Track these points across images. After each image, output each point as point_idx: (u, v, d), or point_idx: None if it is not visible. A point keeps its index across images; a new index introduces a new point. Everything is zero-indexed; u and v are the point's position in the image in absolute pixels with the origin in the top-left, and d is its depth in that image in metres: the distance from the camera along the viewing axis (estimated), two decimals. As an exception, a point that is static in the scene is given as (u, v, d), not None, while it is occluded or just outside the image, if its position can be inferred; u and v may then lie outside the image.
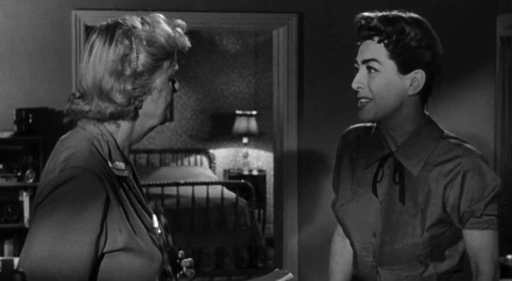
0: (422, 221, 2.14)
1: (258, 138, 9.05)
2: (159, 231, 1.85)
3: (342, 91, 5.27)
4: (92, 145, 1.79)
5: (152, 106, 1.84)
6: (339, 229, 2.47)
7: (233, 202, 7.17)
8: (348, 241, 2.39)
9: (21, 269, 1.56)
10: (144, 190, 2.01)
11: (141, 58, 1.79)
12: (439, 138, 2.19)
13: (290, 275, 1.87)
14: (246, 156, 8.91)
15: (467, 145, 2.19)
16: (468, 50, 5.38)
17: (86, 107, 1.80)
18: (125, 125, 1.84)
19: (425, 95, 2.15)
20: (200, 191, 7.09)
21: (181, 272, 1.93)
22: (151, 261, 1.78)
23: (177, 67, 1.86)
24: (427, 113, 2.22)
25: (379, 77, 2.10)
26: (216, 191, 7.29)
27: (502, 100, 5.32)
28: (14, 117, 4.85)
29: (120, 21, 1.82)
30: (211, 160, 9.08)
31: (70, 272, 1.68)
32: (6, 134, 4.86)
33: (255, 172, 8.86)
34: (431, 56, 2.11)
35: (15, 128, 4.86)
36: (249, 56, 9.16)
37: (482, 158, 2.16)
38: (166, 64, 1.82)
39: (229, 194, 7.42)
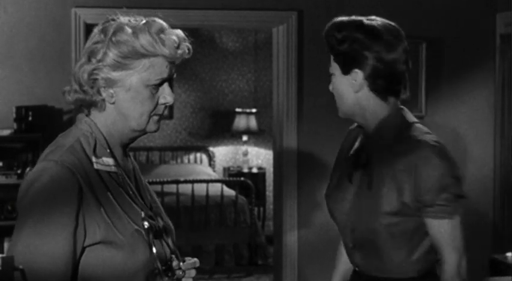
0: (380, 208, 2.26)
1: (257, 136, 9.05)
2: (146, 225, 1.82)
3: (342, 89, 5.27)
4: (76, 141, 1.82)
5: (125, 106, 1.84)
6: None
7: (233, 199, 7.18)
8: None
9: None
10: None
11: (108, 53, 1.81)
12: (401, 128, 2.34)
13: None
14: (245, 154, 8.91)
15: (426, 136, 2.29)
16: (468, 48, 5.38)
17: (66, 88, 1.89)
18: (98, 117, 1.86)
19: (377, 88, 2.31)
20: (200, 188, 7.10)
21: (174, 277, 1.89)
22: (135, 255, 1.78)
23: (160, 76, 1.84)
24: (400, 106, 2.38)
25: (333, 79, 2.38)
26: (215, 188, 7.30)
27: (502, 98, 5.32)
28: (14, 115, 4.85)
29: (114, 17, 1.86)
30: (211, 158, 9.09)
31: (51, 267, 1.69)
32: (5, 132, 4.86)
33: (254, 170, 8.87)
34: (368, 56, 2.28)
35: (14, 125, 4.86)
36: (249, 54, 9.16)
37: (435, 149, 2.26)
38: (139, 66, 1.82)
39: (229, 192, 7.43)
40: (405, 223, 2.26)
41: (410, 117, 2.38)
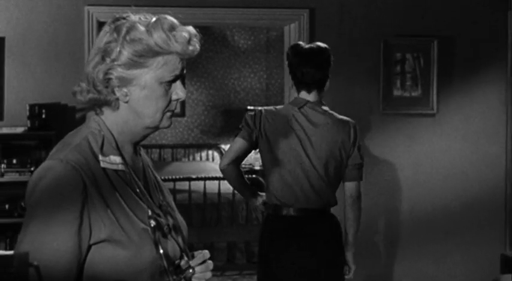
0: None
1: (269, 134, 9.05)
2: (153, 223, 1.82)
3: (352, 86, 5.27)
4: (83, 139, 1.81)
5: (140, 104, 1.84)
6: None
7: (244, 197, 7.18)
8: None
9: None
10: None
11: (123, 52, 1.80)
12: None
13: None
14: (257, 151, 8.90)
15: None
16: (480, 45, 5.38)
17: (77, 88, 1.85)
18: (111, 116, 1.86)
19: (295, 83, 3.91)
20: (212, 186, 7.11)
21: (182, 276, 1.88)
22: (141, 254, 1.77)
23: (173, 73, 1.84)
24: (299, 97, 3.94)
25: None
26: (227, 186, 7.27)
27: (514, 95, 5.32)
28: (27, 113, 4.88)
29: (124, 15, 1.85)
30: (222, 155, 9.09)
31: (55, 265, 1.70)
32: (19, 130, 4.90)
33: (266, 167, 8.86)
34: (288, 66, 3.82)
35: (28, 123, 4.89)
36: (261, 52, 9.17)
37: None
38: (154, 64, 1.82)
39: (241, 189, 7.43)
40: None
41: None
